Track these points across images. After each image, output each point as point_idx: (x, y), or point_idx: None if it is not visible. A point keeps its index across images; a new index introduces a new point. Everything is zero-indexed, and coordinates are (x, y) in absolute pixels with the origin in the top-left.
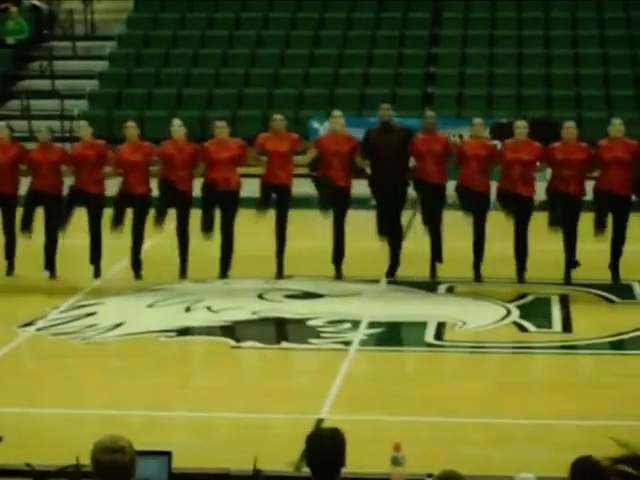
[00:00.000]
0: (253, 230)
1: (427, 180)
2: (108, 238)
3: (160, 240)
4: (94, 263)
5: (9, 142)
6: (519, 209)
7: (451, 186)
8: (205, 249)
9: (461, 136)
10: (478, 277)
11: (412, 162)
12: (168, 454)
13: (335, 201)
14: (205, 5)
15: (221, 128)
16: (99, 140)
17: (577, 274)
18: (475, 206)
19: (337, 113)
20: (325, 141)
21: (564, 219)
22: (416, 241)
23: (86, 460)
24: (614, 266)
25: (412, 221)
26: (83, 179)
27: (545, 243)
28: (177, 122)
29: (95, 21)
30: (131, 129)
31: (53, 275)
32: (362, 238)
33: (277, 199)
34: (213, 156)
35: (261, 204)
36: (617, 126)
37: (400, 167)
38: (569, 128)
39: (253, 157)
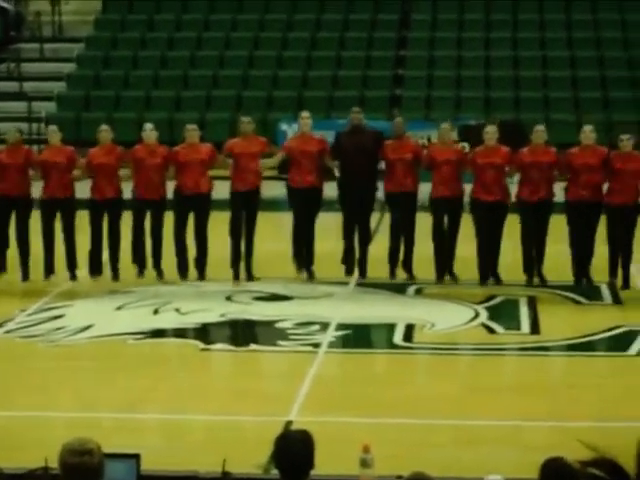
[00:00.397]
0: (224, 232)
1: (398, 191)
2: (78, 241)
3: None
4: (70, 268)
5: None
6: (491, 214)
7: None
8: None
9: (429, 139)
10: (453, 277)
11: (382, 165)
12: (136, 457)
13: (306, 202)
14: (173, 7)
15: (191, 132)
16: (68, 146)
17: (547, 276)
18: (450, 211)
19: (305, 114)
20: (294, 143)
21: (535, 223)
22: (385, 243)
23: (54, 463)
24: (583, 271)
25: (380, 223)
26: (53, 185)
27: (515, 244)
28: (149, 126)
29: (63, 23)
30: (104, 132)
31: (26, 278)
32: (331, 239)
33: (246, 202)
34: (183, 160)
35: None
36: (588, 133)
37: (370, 170)
38: (539, 132)
39: (222, 162)
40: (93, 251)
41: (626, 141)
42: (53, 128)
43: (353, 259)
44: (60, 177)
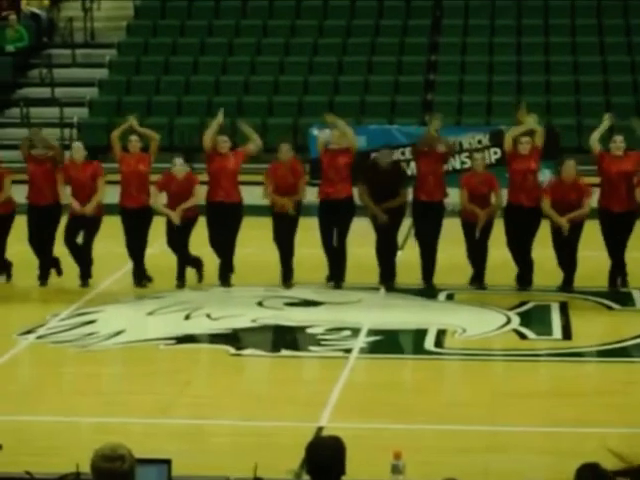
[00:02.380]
0: (254, 237)
1: (429, 200)
2: (110, 246)
3: (160, 248)
4: (83, 277)
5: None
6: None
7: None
8: (207, 257)
9: (461, 144)
10: (481, 284)
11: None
12: (168, 462)
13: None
14: (205, 12)
15: (222, 143)
16: (94, 161)
17: (579, 282)
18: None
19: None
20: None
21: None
22: (414, 249)
23: (86, 468)
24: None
25: (410, 230)
26: (79, 200)
27: (546, 250)
28: (179, 161)
29: (95, 29)
30: (134, 142)
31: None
32: (363, 245)
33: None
34: (214, 170)
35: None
36: (618, 143)
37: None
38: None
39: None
40: (135, 262)
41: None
42: (78, 145)
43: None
44: (85, 194)
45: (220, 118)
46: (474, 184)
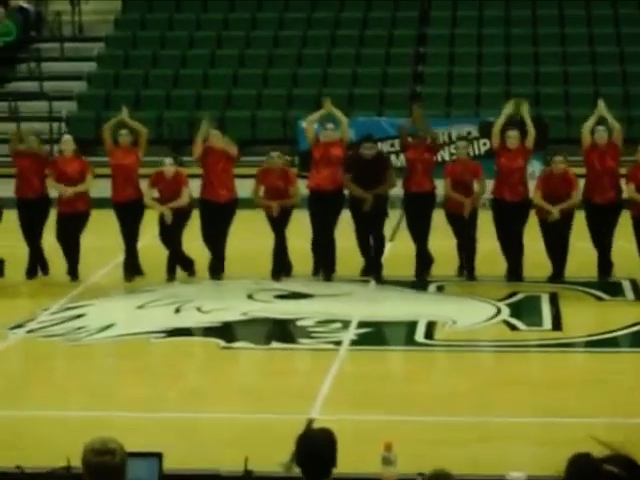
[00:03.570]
0: (241, 230)
1: (418, 191)
2: (100, 240)
3: (150, 241)
4: (72, 272)
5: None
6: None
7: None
8: (198, 250)
9: (450, 136)
10: (471, 275)
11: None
12: (159, 455)
13: (325, 205)
14: (193, 6)
15: (213, 136)
16: (83, 159)
17: (568, 272)
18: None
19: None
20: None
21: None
22: (407, 242)
23: (77, 462)
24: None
25: (400, 222)
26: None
27: (536, 242)
28: (168, 161)
29: (83, 22)
30: (124, 136)
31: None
32: (351, 238)
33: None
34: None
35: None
36: (601, 132)
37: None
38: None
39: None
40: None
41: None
42: (68, 138)
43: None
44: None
45: (205, 127)
46: (458, 172)
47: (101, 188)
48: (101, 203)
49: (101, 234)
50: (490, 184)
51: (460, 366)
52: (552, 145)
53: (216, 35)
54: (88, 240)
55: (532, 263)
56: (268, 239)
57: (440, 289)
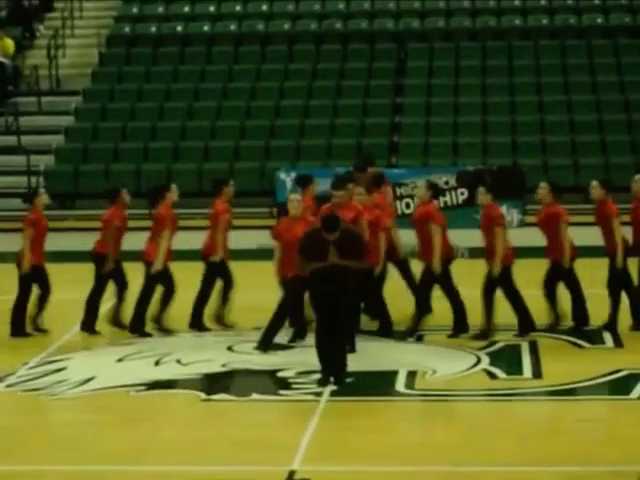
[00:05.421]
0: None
1: None
2: (75, 293)
3: (131, 295)
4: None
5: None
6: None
7: None
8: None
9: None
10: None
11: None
12: None
13: None
14: (170, 58)
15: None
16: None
17: (548, 320)
18: None
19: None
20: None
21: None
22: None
23: None
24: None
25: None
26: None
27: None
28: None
29: (60, 76)
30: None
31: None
32: None
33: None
34: None
35: None
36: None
37: None
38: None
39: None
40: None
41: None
42: (42, 192)
43: None
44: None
45: None
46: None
47: (80, 241)
48: (82, 257)
49: (81, 286)
50: (474, 233)
51: (441, 416)
52: (529, 194)
53: (193, 87)
54: (67, 293)
55: (511, 312)
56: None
57: (420, 339)
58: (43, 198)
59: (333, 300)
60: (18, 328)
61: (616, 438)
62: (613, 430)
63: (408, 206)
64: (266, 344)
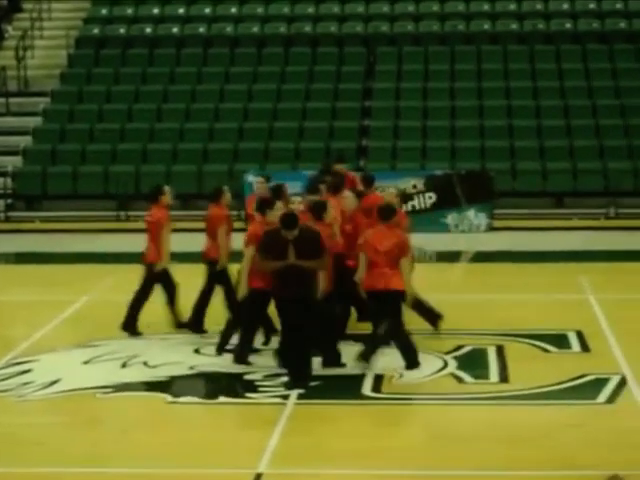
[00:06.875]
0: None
1: None
2: (42, 295)
3: (97, 296)
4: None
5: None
6: None
7: None
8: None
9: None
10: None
11: None
12: None
13: None
14: (139, 60)
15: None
16: None
17: (514, 325)
18: None
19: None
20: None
21: None
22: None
23: None
24: None
25: None
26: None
27: (480, 294)
28: (260, 179)
29: (28, 77)
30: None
31: None
32: None
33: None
34: None
35: None
36: None
37: None
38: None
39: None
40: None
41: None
42: (225, 189)
43: None
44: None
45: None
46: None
47: (47, 243)
48: (48, 258)
49: (48, 288)
50: (441, 237)
51: (407, 419)
52: (497, 198)
53: (162, 89)
54: (35, 294)
55: (478, 314)
56: None
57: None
58: (228, 196)
59: (296, 309)
60: (198, 323)
61: (586, 442)
62: (582, 434)
63: None
64: (221, 348)
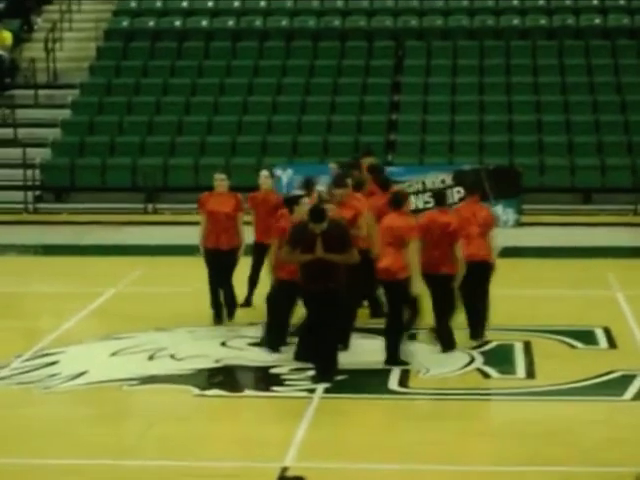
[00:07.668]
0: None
1: None
2: (67, 287)
3: (124, 288)
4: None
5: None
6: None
7: None
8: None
9: (424, 183)
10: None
11: None
12: None
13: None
14: (168, 53)
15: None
16: None
17: (542, 320)
18: None
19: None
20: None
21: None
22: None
23: None
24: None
25: None
26: None
27: (505, 290)
28: (264, 173)
29: (57, 69)
30: (219, 181)
31: None
32: None
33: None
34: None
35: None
36: None
37: None
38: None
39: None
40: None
41: None
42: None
43: None
44: None
45: None
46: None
47: (74, 235)
48: (75, 250)
49: (75, 280)
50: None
51: (434, 414)
52: (526, 193)
53: (191, 82)
54: (63, 286)
55: (505, 311)
56: None
57: (412, 337)
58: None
59: (323, 303)
60: None
61: (612, 439)
62: (608, 431)
63: None
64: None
